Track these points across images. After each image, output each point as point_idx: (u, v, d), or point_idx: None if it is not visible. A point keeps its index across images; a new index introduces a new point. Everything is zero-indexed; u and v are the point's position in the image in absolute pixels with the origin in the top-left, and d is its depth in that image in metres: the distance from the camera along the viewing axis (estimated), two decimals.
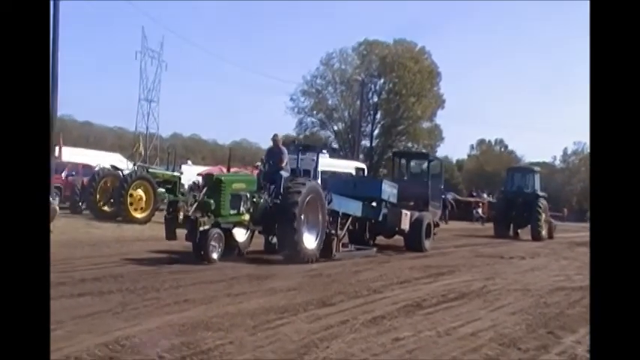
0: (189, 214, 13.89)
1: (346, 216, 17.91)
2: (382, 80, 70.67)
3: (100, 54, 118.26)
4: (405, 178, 24.59)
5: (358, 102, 60.67)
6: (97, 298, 9.46)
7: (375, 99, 70.70)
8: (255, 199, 15.08)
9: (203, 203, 14.15)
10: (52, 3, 25.73)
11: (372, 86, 69.95)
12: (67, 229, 19.30)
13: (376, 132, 71.59)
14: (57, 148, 29.64)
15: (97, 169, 27.08)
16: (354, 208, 18.33)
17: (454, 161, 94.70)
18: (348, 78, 67.44)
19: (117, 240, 18.27)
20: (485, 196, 55.57)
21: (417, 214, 20.75)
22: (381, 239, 21.52)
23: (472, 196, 56.09)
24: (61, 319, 7.66)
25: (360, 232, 20.07)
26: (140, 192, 23.94)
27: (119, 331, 7.26)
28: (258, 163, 17.03)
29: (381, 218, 19.85)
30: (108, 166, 26.73)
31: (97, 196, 24.23)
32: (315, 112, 71.33)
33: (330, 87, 70.49)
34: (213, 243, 13.86)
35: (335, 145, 66.21)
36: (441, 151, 71.91)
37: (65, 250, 14.50)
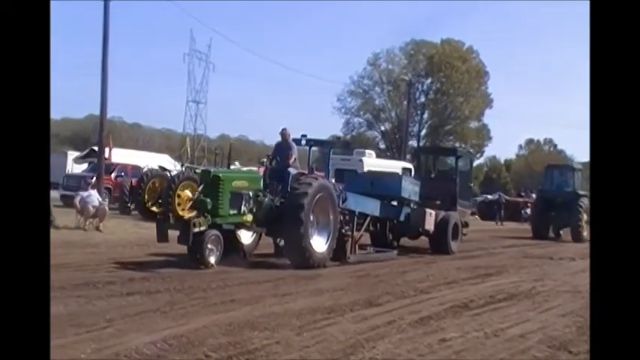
0: (183, 214, 13.14)
1: (363, 216, 16.78)
2: (429, 80, 70.49)
3: (148, 56, 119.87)
4: (432, 175, 23.28)
5: (405, 102, 60.62)
6: (145, 297, 9.62)
7: (423, 99, 70.60)
8: (259, 198, 14.02)
9: (198, 202, 13.24)
10: (102, 4, 26.20)
11: (420, 86, 69.80)
12: (116, 230, 19.66)
13: (423, 132, 71.37)
14: (107, 150, 30.08)
15: (145, 170, 27.42)
16: (372, 207, 17.19)
17: (502, 161, 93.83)
18: (395, 78, 67.37)
19: None
20: (533, 196, 54.94)
21: (442, 213, 19.50)
22: (406, 241, 20.49)
23: (520, 196, 55.38)
24: (112, 318, 7.86)
25: (382, 233, 19.04)
26: (187, 192, 24.09)
27: (167, 330, 7.37)
28: (264, 160, 15.66)
29: (403, 218, 18.70)
30: (156, 167, 27.08)
31: (145, 197, 24.52)
32: (362, 112, 71.37)
33: (377, 87, 70.51)
34: (210, 246, 12.81)
35: (382, 146, 66.29)
36: (488, 151, 71.56)
37: (114, 250, 14.76)
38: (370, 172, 23.41)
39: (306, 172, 15.23)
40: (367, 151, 32.69)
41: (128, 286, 10.26)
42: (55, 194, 29.55)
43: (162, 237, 13.38)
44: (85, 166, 38.35)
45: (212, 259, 12.81)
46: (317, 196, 14.00)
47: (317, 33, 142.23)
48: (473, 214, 50.56)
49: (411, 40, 70.65)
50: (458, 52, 69.07)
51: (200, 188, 13.62)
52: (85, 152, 46.51)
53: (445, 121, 69.92)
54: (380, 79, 69.85)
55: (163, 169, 26.36)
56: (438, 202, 20.24)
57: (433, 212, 18.92)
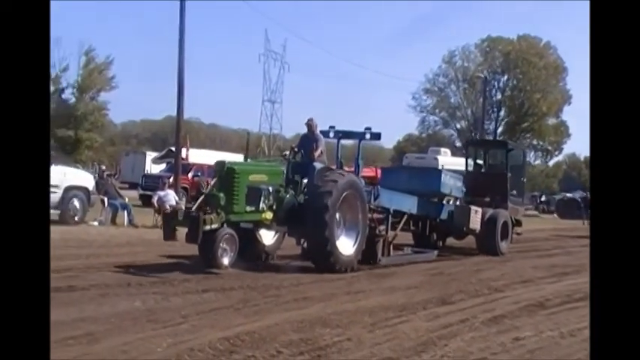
0: (192, 209, 11.95)
1: (399, 214, 15.49)
2: (506, 77, 69.58)
3: (224, 57, 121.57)
4: (482, 170, 21.26)
5: (481, 99, 59.83)
6: (219, 294, 9.79)
7: (499, 96, 69.65)
8: (280, 194, 12.67)
9: (210, 197, 11.98)
10: (179, 5, 26.67)
11: (496, 83, 68.97)
12: None
13: (500, 129, 70.31)
14: (184, 150, 30.60)
15: None
16: (408, 204, 15.68)
17: (582, 158, 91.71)
18: (470, 75, 66.72)
19: None
20: None
21: (490, 211, 17.92)
22: (453, 241, 19.28)
23: None
24: (187, 314, 8.05)
25: (425, 233, 17.54)
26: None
27: (240, 327, 7.48)
28: (286, 152, 14.20)
29: (445, 216, 17.19)
30: None
31: None
32: (437, 110, 70.95)
33: (453, 85, 70.01)
34: (223, 245, 11.57)
35: (458, 144, 65.69)
36: (567, 148, 69.90)
37: (190, 248, 15.00)
38: (407, 167, 22.74)
39: (334, 167, 13.88)
40: (442, 149, 32.52)
41: (203, 284, 10.44)
42: (134, 194, 30.35)
43: (169, 235, 12.45)
44: (162, 166, 39.19)
45: (225, 261, 11.64)
46: (344, 194, 12.69)
47: (392, 31, 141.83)
48: (549, 212, 49.62)
49: (487, 36, 69.99)
50: (535, 49, 67.91)
51: (213, 182, 12.67)
52: (162, 153, 47.51)
53: (522, 118, 68.74)
54: (455, 77, 69.35)
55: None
56: (487, 199, 18.82)
57: (479, 210, 17.48)
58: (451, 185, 17.00)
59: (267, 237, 13.46)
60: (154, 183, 27.95)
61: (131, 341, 6.72)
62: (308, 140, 14.21)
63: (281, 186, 12.90)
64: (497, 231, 17.61)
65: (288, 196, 12.74)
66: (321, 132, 14.82)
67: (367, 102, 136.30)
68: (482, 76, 59.94)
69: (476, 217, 17.14)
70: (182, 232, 12.16)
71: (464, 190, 17.85)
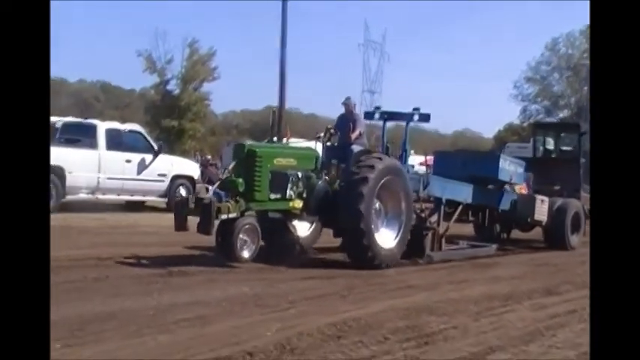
0: (205, 196, 10.91)
1: (454, 204, 14.21)
2: None
3: (322, 48, 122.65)
4: (553, 155, 19.76)
5: (586, 88, 58.31)
6: (325, 281, 9.98)
7: None
8: (311, 181, 11.34)
9: (227, 182, 10.75)
10: (280, 3, 27.06)
11: None
12: None
13: None
14: (284, 140, 31.02)
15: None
16: (464, 193, 14.26)
17: None
18: (575, 63, 64.94)
19: None
20: None
21: (560, 201, 16.30)
22: (518, 233, 17.54)
23: None
24: (294, 300, 8.24)
25: (487, 225, 16.20)
26: None
27: (346, 313, 7.58)
28: (320, 134, 12.55)
29: (507, 206, 15.57)
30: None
31: None
32: (539, 99, 69.51)
33: (556, 73, 68.41)
34: (242, 236, 10.45)
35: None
36: None
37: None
38: (462, 151, 20.40)
39: (378, 151, 12.60)
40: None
41: (308, 271, 10.63)
42: None
43: (180, 225, 10.74)
44: None
45: (245, 254, 10.49)
46: (382, 181, 11.31)
47: (493, 19, 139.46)
48: None
49: None
50: None
51: (231, 166, 11.13)
52: (263, 142, 48.30)
53: None
54: (559, 65, 67.74)
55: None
56: (557, 188, 17.29)
57: (546, 199, 15.91)
58: (511, 171, 15.39)
59: (302, 229, 12.34)
60: None
61: (241, 325, 6.92)
62: (345, 121, 12.84)
63: (313, 171, 11.61)
64: (566, 223, 16.05)
65: (320, 182, 11.47)
66: (366, 113, 14.21)
67: (467, 91, 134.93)
68: (587, 63, 58.41)
69: (542, 208, 15.68)
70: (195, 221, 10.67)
71: (527, 177, 16.51)
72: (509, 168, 15.32)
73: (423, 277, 10.81)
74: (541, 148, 20.20)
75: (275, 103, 28.65)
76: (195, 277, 9.58)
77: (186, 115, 55.22)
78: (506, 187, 15.70)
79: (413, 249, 12.08)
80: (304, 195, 11.21)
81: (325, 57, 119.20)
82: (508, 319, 7.71)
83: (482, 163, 15.72)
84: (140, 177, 18.44)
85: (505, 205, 15.51)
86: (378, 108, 13.85)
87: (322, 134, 12.36)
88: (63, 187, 16.39)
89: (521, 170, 15.89)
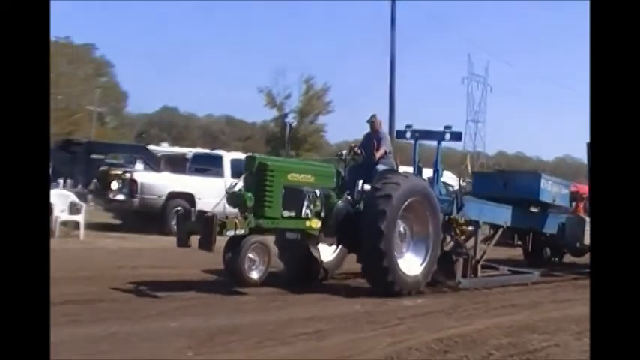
0: (209, 212, 10.03)
1: (494, 227, 13.51)
2: None
3: (429, 80, 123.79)
4: None
5: None
6: (431, 299, 10.35)
7: None
8: (331, 200, 10.49)
9: (235, 197, 9.94)
10: (390, 36, 27.71)
11: None
12: None
13: None
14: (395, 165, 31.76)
15: None
16: (503, 215, 13.36)
17: None
18: None
19: None
20: None
21: None
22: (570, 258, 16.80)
23: None
24: (402, 316, 8.63)
25: (537, 249, 15.69)
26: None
27: (452, 329, 7.88)
28: (343, 152, 11.79)
29: (555, 230, 14.85)
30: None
31: None
32: None
33: None
34: (250, 255, 9.54)
35: None
36: None
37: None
38: (502, 171, 19.25)
39: (410, 170, 12.09)
40: None
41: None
42: None
43: (182, 241, 9.98)
44: None
45: (254, 275, 9.64)
46: (408, 201, 10.53)
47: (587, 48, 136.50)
48: None
49: None
50: None
51: (240, 178, 10.40)
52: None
53: None
54: None
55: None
56: None
57: None
58: (554, 193, 14.51)
59: (326, 253, 11.28)
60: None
61: (354, 339, 7.27)
62: (370, 140, 11.90)
63: (333, 190, 10.74)
64: None
65: (340, 202, 10.62)
66: (398, 132, 13.44)
67: (569, 119, 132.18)
68: None
69: None
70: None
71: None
72: (552, 189, 14.53)
73: (526, 296, 11.03)
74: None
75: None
76: (310, 294, 10.03)
77: (302, 146, 57.19)
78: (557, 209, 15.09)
79: (443, 275, 11.41)
80: (322, 214, 10.38)
81: (431, 89, 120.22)
82: None
83: (523, 183, 14.76)
84: None
85: (552, 228, 14.87)
86: (409, 126, 12.93)
87: (345, 152, 11.70)
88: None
89: (565, 191, 15.14)
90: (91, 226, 10.01)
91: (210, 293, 9.59)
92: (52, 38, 44.83)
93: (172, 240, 10.66)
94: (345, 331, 7.74)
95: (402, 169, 12.12)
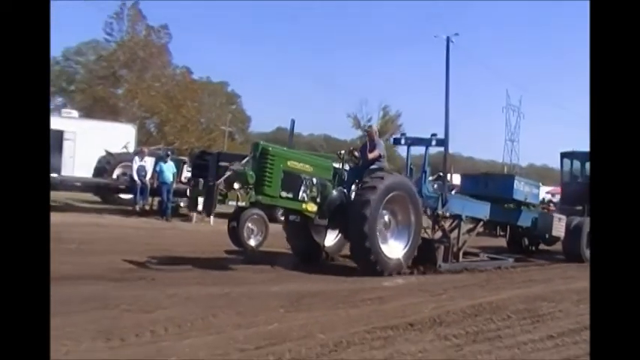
0: (217, 182, 10.60)
1: (475, 220, 14.86)
2: None
3: (476, 109, 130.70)
4: (579, 180, 20.51)
5: None
6: (469, 275, 12.05)
7: None
8: (327, 189, 11.49)
9: (239, 174, 10.62)
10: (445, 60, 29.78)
11: None
12: None
13: None
14: (448, 175, 33.51)
15: None
16: (482, 210, 14.86)
17: None
18: None
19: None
20: None
21: (577, 219, 16.98)
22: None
23: None
24: (446, 288, 10.10)
25: (516, 239, 17.76)
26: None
27: (482, 298, 9.22)
28: (342, 151, 12.91)
29: (529, 223, 16.45)
30: None
31: None
32: None
33: None
34: (249, 225, 10.38)
35: None
36: None
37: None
38: (485, 174, 20.79)
39: (391, 170, 12.91)
40: None
41: (455, 265, 12.70)
42: None
43: (192, 205, 11.21)
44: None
45: (252, 242, 10.45)
46: (391, 194, 11.49)
47: None
48: None
49: None
50: None
51: (244, 160, 11.14)
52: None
53: None
54: None
55: None
56: (579, 208, 18.15)
57: (564, 217, 16.78)
58: (525, 192, 16.15)
59: (328, 238, 12.22)
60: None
61: (406, 304, 8.41)
62: (366, 145, 13.04)
63: (330, 181, 11.71)
64: (582, 239, 16.63)
65: (335, 192, 11.64)
66: (394, 139, 14.92)
67: (582, 135, 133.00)
68: None
69: (559, 225, 16.53)
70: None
71: (546, 198, 16.71)
72: (524, 189, 16.13)
73: (543, 273, 12.83)
74: (568, 173, 21.56)
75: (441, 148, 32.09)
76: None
77: None
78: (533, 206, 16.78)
79: (426, 260, 12.54)
80: (318, 200, 11.33)
81: (477, 117, 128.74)
82: None
83: (500, 184, 16.44)
84: None
85: (526, 222, 16.44)
86: (403, 134, 14.53)
87: (343, 151, 12.88)
88: None
89: (536, 191, 16.76)
90: (217, 215, 11.84)
91: (300, 265, 11.27)
92: (195, 77, 61.31)
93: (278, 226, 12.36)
94: (401, 297, 8.98)
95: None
